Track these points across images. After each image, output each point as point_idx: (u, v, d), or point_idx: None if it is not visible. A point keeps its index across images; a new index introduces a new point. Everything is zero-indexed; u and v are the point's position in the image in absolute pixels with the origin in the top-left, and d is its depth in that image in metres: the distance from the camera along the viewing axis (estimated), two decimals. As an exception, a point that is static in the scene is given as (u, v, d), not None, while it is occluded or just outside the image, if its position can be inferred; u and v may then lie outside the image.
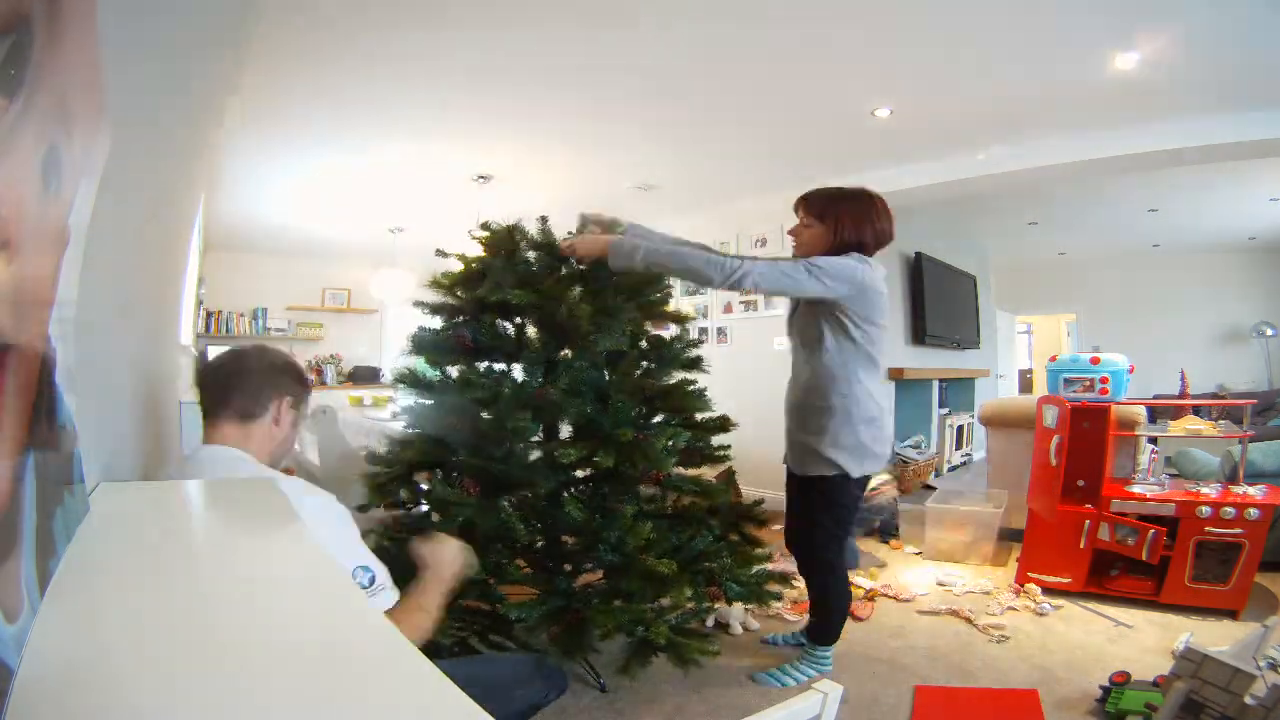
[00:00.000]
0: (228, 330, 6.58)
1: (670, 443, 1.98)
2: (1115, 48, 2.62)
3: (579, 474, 2.07)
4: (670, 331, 2.26)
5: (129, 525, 1.09)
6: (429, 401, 2.09)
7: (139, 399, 2.14)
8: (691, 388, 2.18)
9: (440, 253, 2.22)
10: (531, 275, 2.04)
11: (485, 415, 1.96)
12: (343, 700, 0.55)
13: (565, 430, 2.06)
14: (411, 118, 3.39)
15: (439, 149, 3.81)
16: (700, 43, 2.63)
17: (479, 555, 1.81)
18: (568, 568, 2.03)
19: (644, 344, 2.19)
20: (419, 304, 2.17)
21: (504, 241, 2.10)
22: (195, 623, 0.69)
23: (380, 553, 1.25)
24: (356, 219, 5.56)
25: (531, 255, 2.10)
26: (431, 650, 1.71)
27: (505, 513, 1.83)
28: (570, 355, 2.03)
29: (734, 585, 1.99)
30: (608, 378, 2.09)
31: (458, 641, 1.88)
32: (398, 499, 2.12)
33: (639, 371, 2.15)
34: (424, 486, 2.14)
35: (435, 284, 2.16)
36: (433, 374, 2.12)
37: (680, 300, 5.37)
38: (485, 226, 2.16)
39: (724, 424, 2.19)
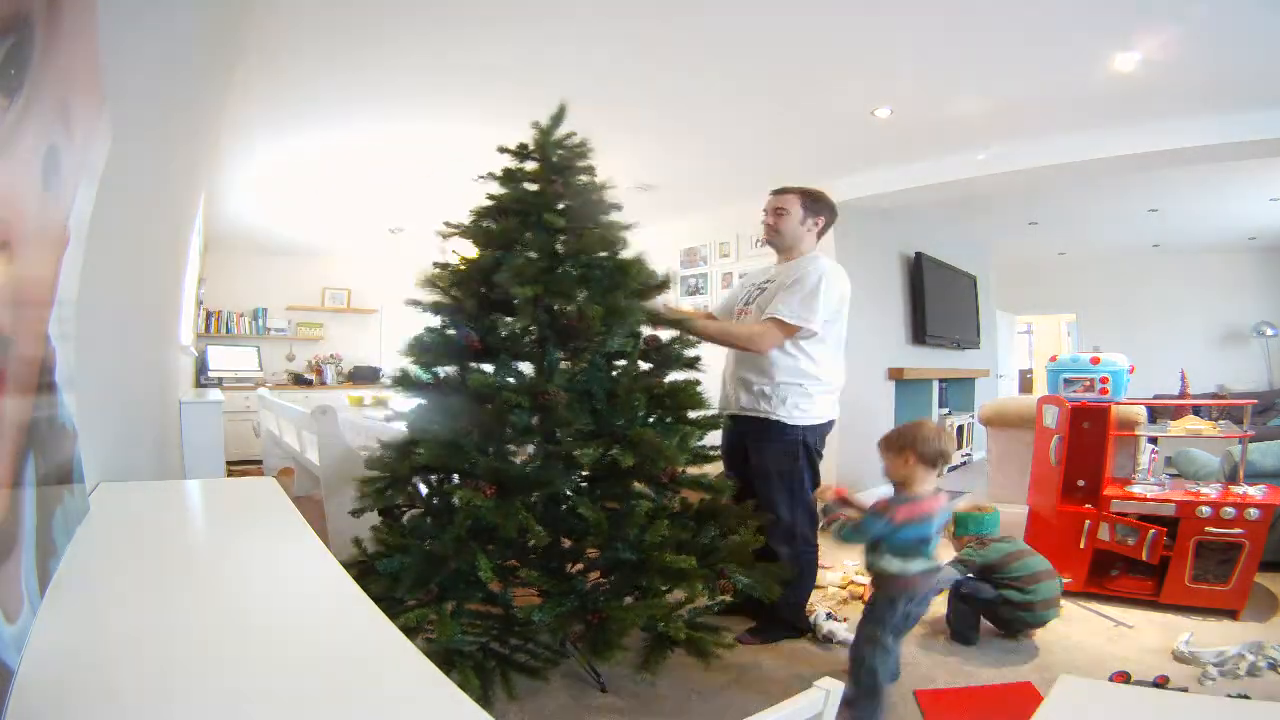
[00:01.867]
0: (228, 330, 6.58)
1: (681, 440, 2.01)
2: (1115, 48, 2.62)
3: (585, 473, 2.07)
4: (669, 333, 2.27)
5: (129, 525, 1.09)
6: (438, 403, 2.08)
7: (139, 399, 2.14)
8: (698, 388, 2.18)
9: (437, 264, 2.21)
10: (539, 272, 2.03)
11: (497, 415, 1.97)
12: (344, 699, 0.55)
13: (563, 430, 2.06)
14: (412, 118, 3.40)
15: (439, 148, 3.81)
16: (700, 43, 2.63)
17: (486, 560, 1.81)
18: (579, 566, 2.03)
19: (641, 344, 2.19)
20: (413, 303, 2.16)
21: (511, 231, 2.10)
22: (195, 623, 0.69)
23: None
24: (356, 219, 5.56)
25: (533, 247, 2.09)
26: (446, 657, 1.72)
27: (523, 514, 1.82)
28: (576, 355, 2.03)
29: (742, 578, 1.99)
30: (615, 377, 2.09)
31: (480, 647, 1.87)
32: (395, 504, 2.11)
33: (643, 371, 2.16)
34: (424, 490, 2.14)
35: (430, 283, 2.15)
36: (426, 376, 2.11)
37: (680, 301, 5.37)
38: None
39: (714, 422, 2.20)
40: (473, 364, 2.06)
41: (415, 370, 2.14)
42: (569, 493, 2.06)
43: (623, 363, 2.17)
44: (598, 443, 1.90)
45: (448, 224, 2.19)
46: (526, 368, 2.12)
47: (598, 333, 1.96)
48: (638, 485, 2.07)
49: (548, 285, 1.98)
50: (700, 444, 2.15)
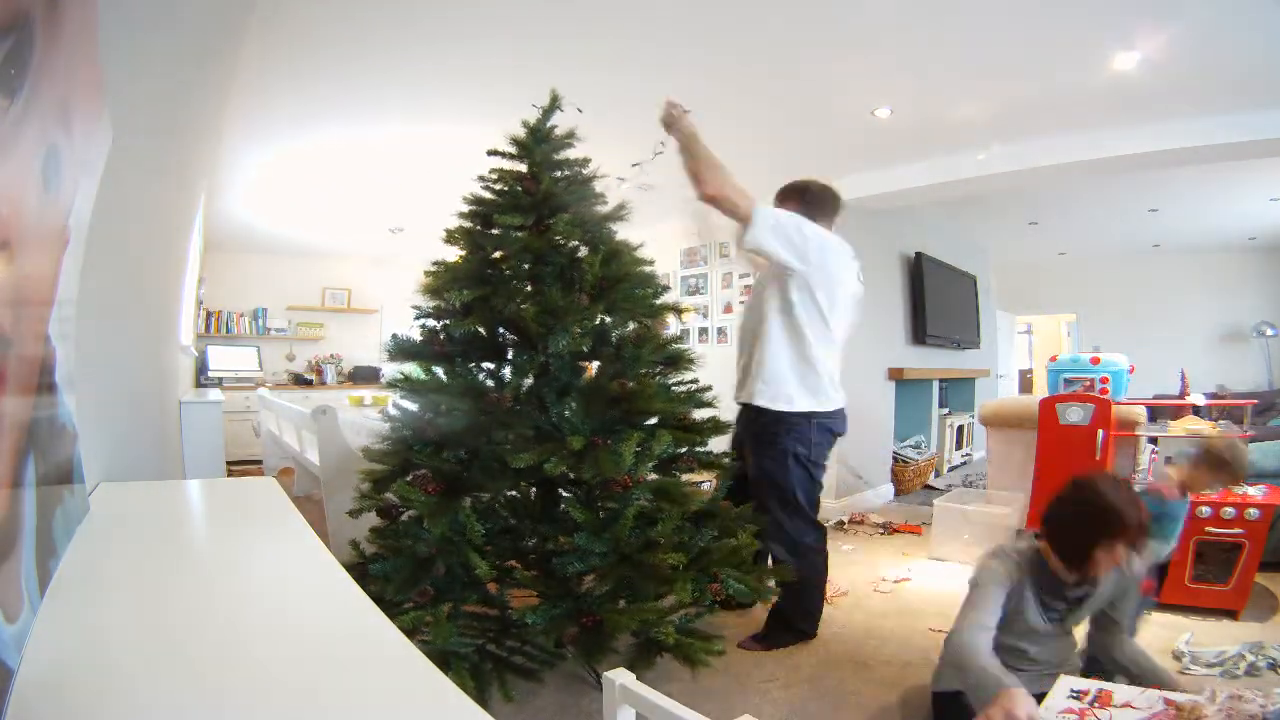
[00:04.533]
0: (228, 330, 6.58)
1: (640, 448, 1.90)
2: (1115, 48, 2.62)
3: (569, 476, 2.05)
4: (671, 329, 2.26)
5: (129, 525, 1.09)
6: (409, 405, 2.10)
7: (139, 399, 2.14)
8: (682, 388, 2.15)
9: (431, 271, 2.21)
10: (486, 274, 2.03)
11: (437, 416, 1.97)
12: (344, 699, 0.55)
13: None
14: (411, 118, 3.40)
15: (438, 149, 3.81)
16: (700, 43, 2.63)
17: (481, 560, 1.81)
18: (573, 569, 2.02)
19: (616, 343, 2.13)
20: (415, 308, 2.17)
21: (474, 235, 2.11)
22: (195, 623, 0.69)
23: None
24: (356, 219, 5.56)
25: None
26: (443, 659, 1.72)
27: (464, 513, 1.82)
28: (531, 357, 2.02)
29: (734, 581, 1.99)
30: (567, 380, 2.06)
31: (476, 650, 1.87)
32: (391, 504, 2.11)
33: (608, 373, 2.08)
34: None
35: (425, 289, 2.16)
36: (420, 376, 2.12)
37: (680, 299, 5.37)
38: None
39: (718, 427, 2.17)
40: (432, 365, 2.07)
41: (395, 371, 2.16)
42: (564, 493, 2.06)
43: (595, 363, 2.15)
44: (540, 449, 1.85)
45: (449, 230, 2.20)
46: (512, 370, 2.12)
47: (535, 334, 1.94)
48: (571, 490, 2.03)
49: (496, 287, 1.97)
50: (684, 448, 2.12)
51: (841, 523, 4.10)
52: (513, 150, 2.22)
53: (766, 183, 3.14)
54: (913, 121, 3.42)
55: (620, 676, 0.87)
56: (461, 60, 2.77)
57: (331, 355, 7.14)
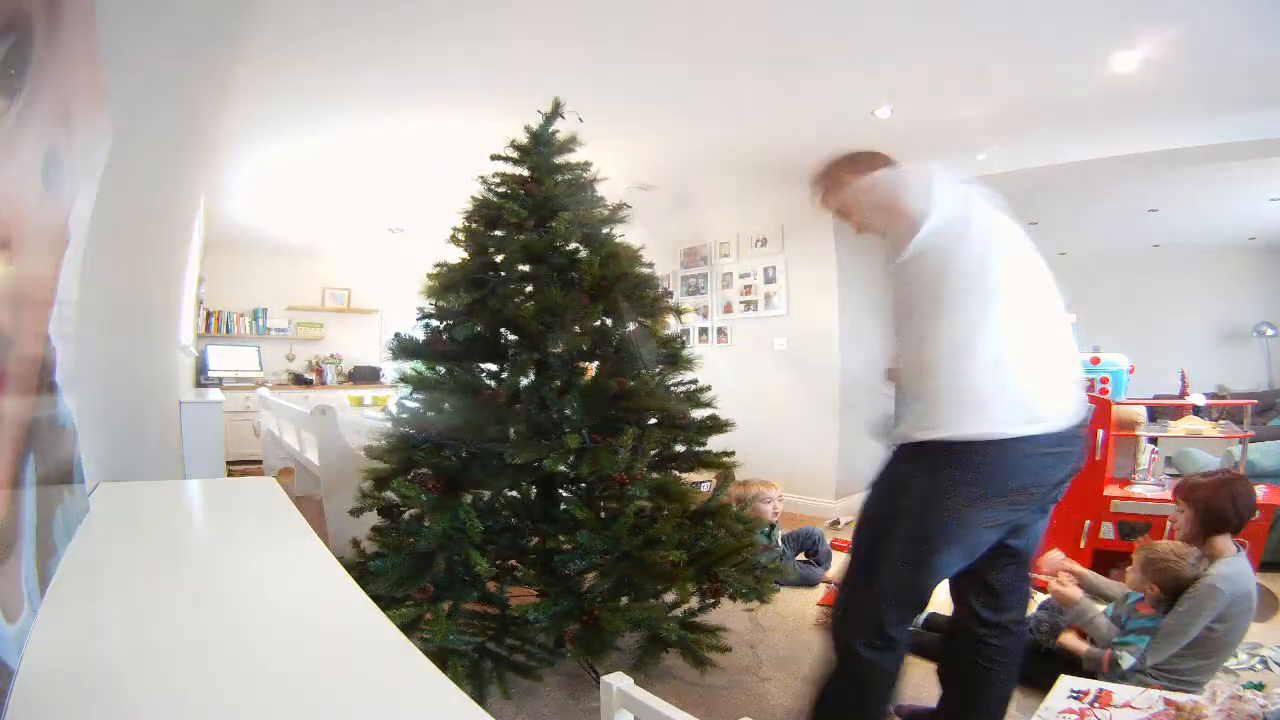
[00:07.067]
0: (228, 330, 6.58)
1: (636, 443, 1.91)
2: (1115, 48, 2.62)
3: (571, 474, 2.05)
4: (671, 329, 2.26)
5: (129, 525, 1.09)
6: (411, 403, 2.11)
7: (139, 399, 2.14)
8: (683, 388, 2.16)
9: (433, 274, 2.21)
10: (487, 275, 2.04)
11: (436, 413, 1.98)
12: (344, 699, 0.55)
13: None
14: (412, 117, 3.40)
15: (438, 149, 3.81)
16: (700, 42, 2.63)
17: (481, 558, 1.81)
18: (573, 566, 2.03)
19: (617, 342, 2.12)
20: (419, 310, 2.18)
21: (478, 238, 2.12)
22: (195, 623, 0.69)
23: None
24: (356, 219, 5.56)
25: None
26: (441, 657, 1.72)
27: (464, 509, 1.83)
28: (526, 356, 2.03)
29: (734, 581, 1.99)
30: (564, 380, 2.07)
31: (476, 648, 1.87)
32: (393, 504, 2.11)
33: (608, 371, 2.09)
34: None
35: (428, 290, 2.17)
36: (425, 372, 2.13)
37: (680, 299, 5.37)
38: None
39: (717, 425, 2.16)
40: (434, 364, 2.08)
41: (400, 369, 2.17)
42: (564, 492, 2.06)
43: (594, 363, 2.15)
44: (539, 446, 1.85)
45: (454, 229, 2.21)
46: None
47: (535, 332, 1.94)
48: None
49: (495, 288, 1.98)
50: (681, 446, 2.12)
51: (836, 522, 4.10)
52: (514, 154, 2.22)
53: (767, 183, 3.18)
54: (913, 121, 3.42)
55: (618, 681, 0.87)
56: (462, 60, 2.77)
57: (331, 355, 7.14)
